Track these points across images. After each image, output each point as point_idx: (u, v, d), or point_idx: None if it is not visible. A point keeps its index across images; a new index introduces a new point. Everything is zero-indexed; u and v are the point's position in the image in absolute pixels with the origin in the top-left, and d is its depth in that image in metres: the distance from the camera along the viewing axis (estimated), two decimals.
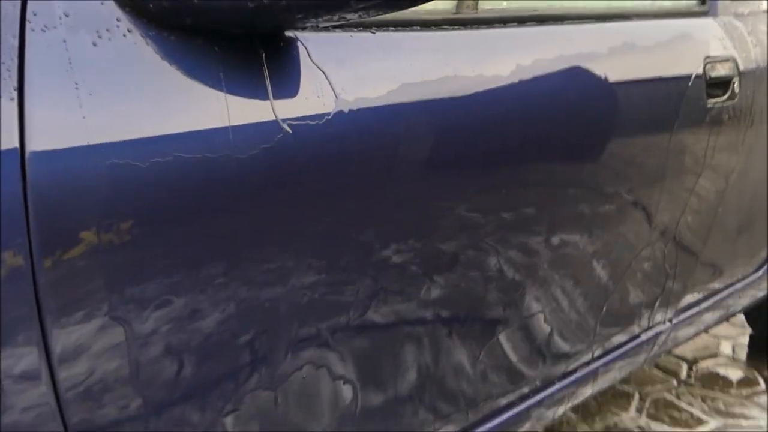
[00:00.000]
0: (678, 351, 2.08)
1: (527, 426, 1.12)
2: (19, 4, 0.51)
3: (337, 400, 0.82)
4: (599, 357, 1.25)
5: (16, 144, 0.48)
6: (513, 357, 1.06)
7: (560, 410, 1.20)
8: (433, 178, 0.83)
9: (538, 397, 1.11)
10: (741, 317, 2.17)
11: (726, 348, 2.12)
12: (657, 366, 1.99)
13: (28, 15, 0.51)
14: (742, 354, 2.08)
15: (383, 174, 0.76)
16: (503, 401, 1.07)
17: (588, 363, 1.23)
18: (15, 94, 0.49)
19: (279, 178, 0.66)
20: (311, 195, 0.70)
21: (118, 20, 0.56)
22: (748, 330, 2.12)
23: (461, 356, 0.97)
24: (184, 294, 0.63)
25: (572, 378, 1.19)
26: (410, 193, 0.80)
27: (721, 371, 1.98)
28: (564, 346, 1.15)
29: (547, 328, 1.10)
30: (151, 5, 0.57)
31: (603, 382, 1.30)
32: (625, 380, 1.90)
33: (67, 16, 0.53)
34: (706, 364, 2.01)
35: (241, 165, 0.63)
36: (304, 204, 0.70)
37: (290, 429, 0.77)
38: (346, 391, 0.83)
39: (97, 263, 0.55)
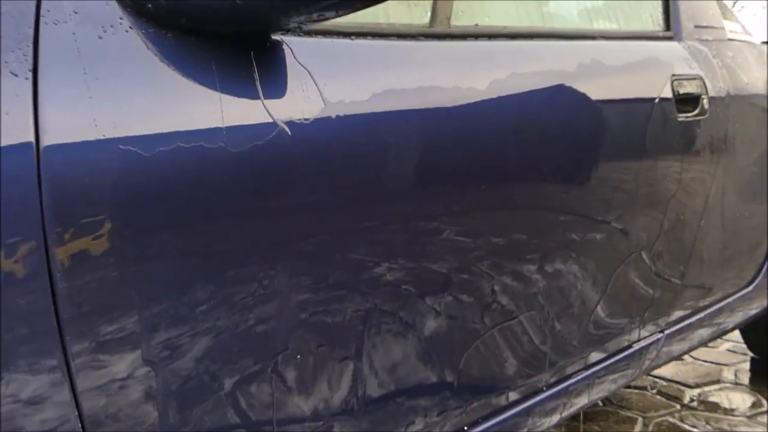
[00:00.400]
0: (680, 378, 2.09)
1: None
2: (34, 2, 0.59)
3: (327, 405, 0.84)
4: (590, 366, 1.27)
5: (31, 114, 0.55)
6: (504, 362, 1.09)
7: (554, 419, 1.21)
8: (408, 181, 0.88)
9: (527, 404, 1.13)
10: (742, 344, 2.19)
11: (729, 374, 2.13)
12: (660, 393, 1.99)
13: (42, 11, 0.59)
14: (745, 379, 2.09)
15: (363, 171, 0.82)
16: (495, 405, 1.08)
17: (579, 372, 1.25)
18: (30, 74, 0.56)
19: (265, 166, 0.72)
20: (297, 185, 0.76)
21: (120, 18, 0.63)
22: (750, 356, 2.14)
23: (451, 362, 1.00)
24: (181, 293, 0.67)
25: (564, 386, 1.21)
26: (387, 195, 0.85)
27: (725, 395, 1.98)
28: (553, 356, 1.18)
29: (534, 337, 1.13)
30: (150, 5, 0.65)
31: (597, 393, 1.31)
32: (627, 406, 1.90)
33: (76, 13, 0.61)
34: (708, 389, 2.02)
35: (233, 155, 0.69)
36: (293, 193, 0.76)
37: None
38: (335, 397, 0.85)
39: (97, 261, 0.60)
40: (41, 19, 0.58)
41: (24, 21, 0.57)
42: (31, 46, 0.57)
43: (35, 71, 0.56)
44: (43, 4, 0.59)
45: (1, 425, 0.57)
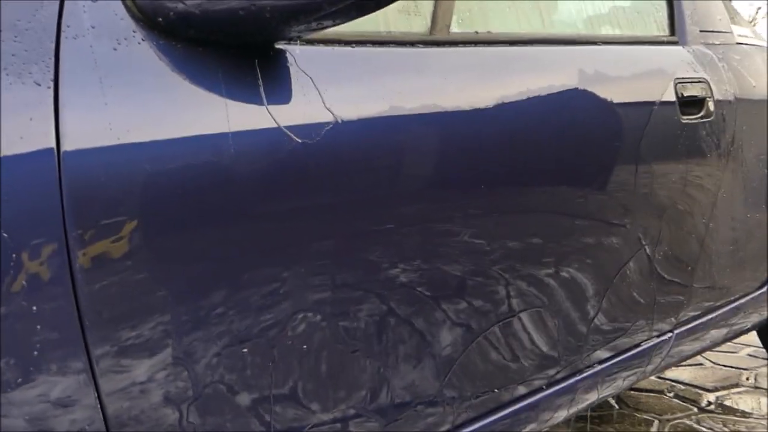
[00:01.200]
0: (698, 382, 2.08)
1: (530, 426, 1.16)
2: (55, 18, 0.64)
3: (334, 401, 0.88)
4: (600, 363, 1.29)
5: (52, 120, 0.60)
6: (513, 358, 1.12)
7: (562, 414, 1.23)
8: (405, 183, 0.91)
9: (535, 398, 1.15)
10: (762, 349, 2.17)
11: (748, 378, 2.11)
12: (677, 396, 1.99)
13: (63, 26, 0.64)
14: (764, 383, 2.07)
15: (362, 174, 0.86)
16: (503, 399, 1.11)
17: (588, 369, 1.27)
18: (51, 84, 0.62)
19: (269, 168, 0.77)
20: (300, 187, 0.80)
21: (134, 32, 0.69)
22: None
23: (462, 357, 1.03)
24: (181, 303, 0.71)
25: (572, 381, 1.23)
26: (385, 197, 0.89)
27: (743, 398, 1.97)
28: (562, 353, 1.20)
29: (543, 334, 1.16)
30: (160, 19, 0.70)
31: (607, 390, 1.33)
32: (644, 409, 1.90)
33: (93, 27, 0.67)
34: (727, 393, 2.01)
35: (239, 159, 0.74)
36: (297, 195, 0.80)
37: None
38: (352, 389, 0.89)
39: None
40: (62, 34, 0.64)
41: (46, 36, 0.63)
42: (52, 58, 0.62)
43: (56, 81, 0.62)
44: (64, 20, 0.65)
45: (31, 425, 0.60)
